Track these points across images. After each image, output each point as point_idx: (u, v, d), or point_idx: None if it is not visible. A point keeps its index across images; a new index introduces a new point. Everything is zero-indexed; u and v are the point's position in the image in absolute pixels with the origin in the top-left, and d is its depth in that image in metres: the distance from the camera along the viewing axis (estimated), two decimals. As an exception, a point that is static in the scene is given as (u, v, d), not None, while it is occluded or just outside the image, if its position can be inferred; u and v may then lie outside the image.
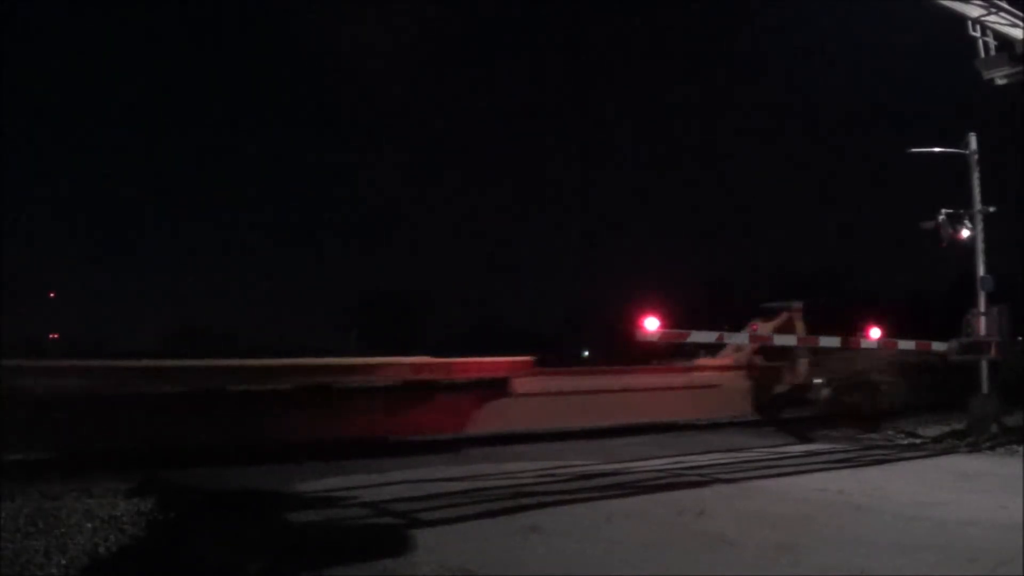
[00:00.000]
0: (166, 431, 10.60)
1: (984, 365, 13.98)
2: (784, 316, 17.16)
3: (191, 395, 10.83)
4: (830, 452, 12.46)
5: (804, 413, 16.73)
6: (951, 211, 14.43)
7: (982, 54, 13.25)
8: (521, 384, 13.21)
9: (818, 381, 16.97)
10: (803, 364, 16.89)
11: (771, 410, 16.58)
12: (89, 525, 7.10)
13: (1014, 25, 12.99)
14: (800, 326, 17.03)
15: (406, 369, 12.62)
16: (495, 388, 13.00)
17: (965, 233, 14.35)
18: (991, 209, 14.48)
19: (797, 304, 17.32)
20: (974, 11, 12.84)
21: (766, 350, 16.62)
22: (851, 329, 16.23)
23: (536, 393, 13.37)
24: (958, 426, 14.23)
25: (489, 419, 12.90)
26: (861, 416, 16.00)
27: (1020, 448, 12.16)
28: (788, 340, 16.29)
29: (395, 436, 12.18)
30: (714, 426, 15.66)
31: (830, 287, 45.76)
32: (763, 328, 16.86)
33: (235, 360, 13.60)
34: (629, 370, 16.20)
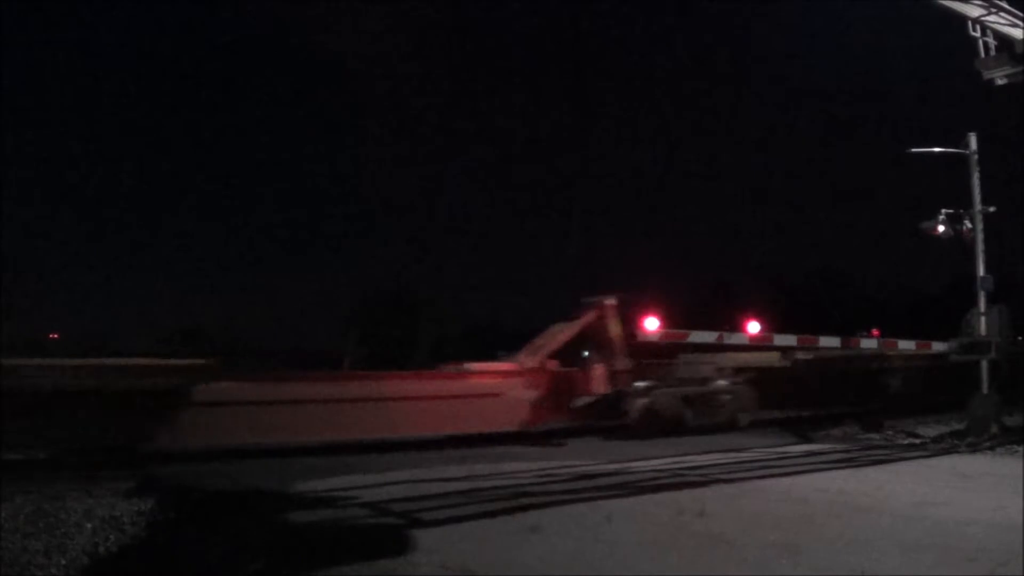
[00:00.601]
0: None
1: (984, 365, 13.99)
2: (591, 315, 15.08)
3: None
4: (830, 452, 12.46)
5: (606, 425, 14.66)
6: (951, 211, 14.44)
7: (982, 54, 13.26)
8: (207, 392, 11.34)
9: (641, 385, 14.94)
10: (599, 371, 14.80)
11: (569, 421, 14.49)
12: (89, 525, 7.10)
13: (1014, 25, 13.00)
14: (615, 324, 15.05)
15: (63, 371, 10.97)
16: (169, 397, 11.10)
17: (965, 233, 14.37)
18: (991, 209, 14.49)
19: (610, 299, 15.20)
20: (974, 11, 12.85)
21: (563, 354, 14.78)
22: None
23: (230, 403, 11.51)
24: (958, 426, 14.23)
25: (167, 434, 11.02)
26: (680, 432, 14.32)
27: (1020, 448, 12.17)
28: (788, 340, 16.17)
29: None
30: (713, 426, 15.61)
31: (829, 287, 45.77)
32: (561, 329, 14.88)
33: None
34: (372, 376, 14.37)
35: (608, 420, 14.71)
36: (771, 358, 16.43)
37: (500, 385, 13.98)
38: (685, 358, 15.87)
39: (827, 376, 17.39)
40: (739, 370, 15.98)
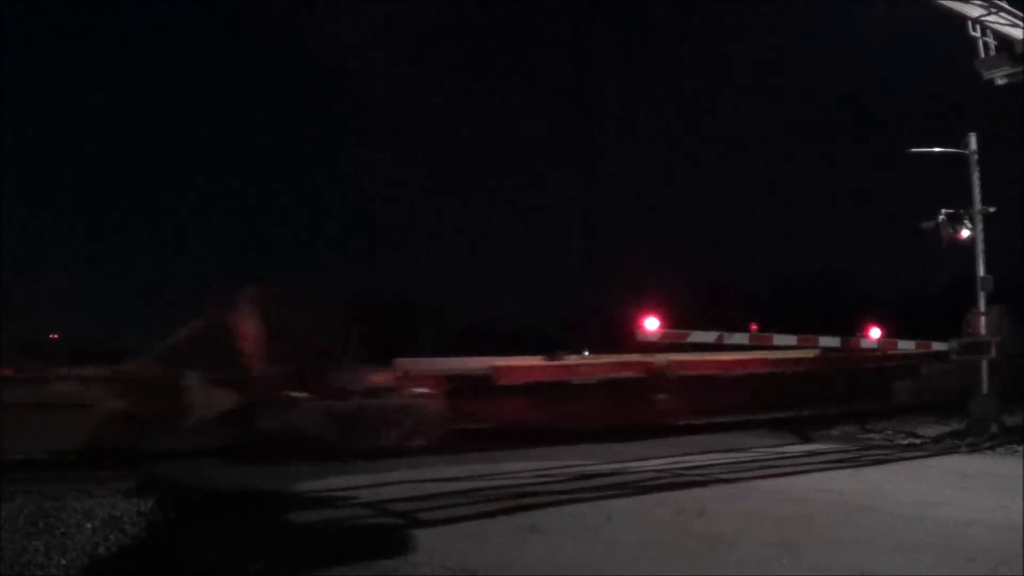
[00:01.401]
0: None
1: (984, 365, 13.98)
2: (216, 311, 12.48)
3: None
4: (830, 452, 12.45)
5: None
6: (951, 211, 14.42)
7: (982, 54, 13.25)
8: None
9: (289, 396, 12.19)
10: (193, 380, 11.76)
11: (190, 438, 11.38)
12: (89, 525, 7.12)
13: (1014, 25, 12.99)
14: (252, 322, 12.36)
15: None
16: None
17: (965, 233, 14.34)
18: (991, 209, 14.46)
19: (247, 291, 12.62)
20: (974, 11, 12.84)
21: (185, 357, 12.10)
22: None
23: None
24: (958, 426, 14.22)
25: None
26: (327, 456, 11.18)
27: (1020, 448, 12.15)
28: (788, 340, 15.96)
29: None
30: (712, 426, 15.58)
31: (829, 287, 45.63)
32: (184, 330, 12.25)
33: None
34: None
35: (237, 438, 11.76)
36: (480, 367, 13.78)
37: (89, 394, 11.22)
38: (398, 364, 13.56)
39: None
40: (443, 380, 13.32)
